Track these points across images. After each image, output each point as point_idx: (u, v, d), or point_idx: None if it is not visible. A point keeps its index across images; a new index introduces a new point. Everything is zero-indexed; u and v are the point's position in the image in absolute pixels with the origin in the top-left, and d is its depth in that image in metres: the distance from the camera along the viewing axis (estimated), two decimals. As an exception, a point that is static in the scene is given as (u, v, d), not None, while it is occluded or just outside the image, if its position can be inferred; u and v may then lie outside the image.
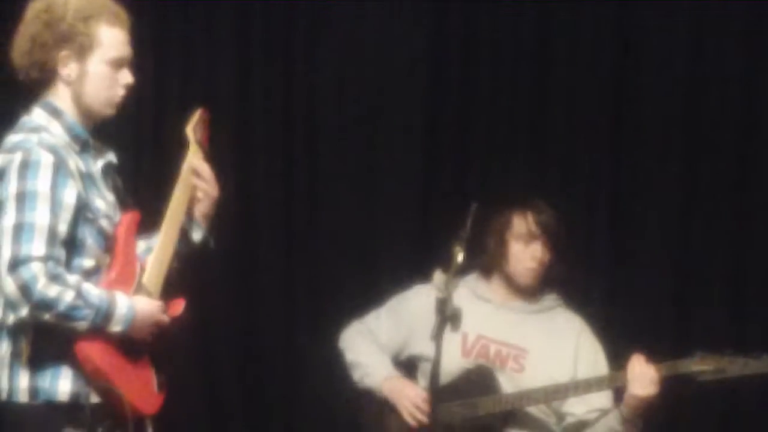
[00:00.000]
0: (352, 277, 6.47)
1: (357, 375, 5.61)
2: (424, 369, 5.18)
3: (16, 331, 4.26)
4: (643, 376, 5.27)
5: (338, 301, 6.27)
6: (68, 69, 4.32)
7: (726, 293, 6.49)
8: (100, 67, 4.33)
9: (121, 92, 4.40)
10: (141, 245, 4.49)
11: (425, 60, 6.98)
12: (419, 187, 6.75)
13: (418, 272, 5.45)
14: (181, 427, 5.26)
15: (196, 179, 4.56)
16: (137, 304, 4.27)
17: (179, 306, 4.47)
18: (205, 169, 4.58)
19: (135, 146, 5.46)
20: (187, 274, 4.64)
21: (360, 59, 7.04)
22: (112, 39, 4.35)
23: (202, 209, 4.59)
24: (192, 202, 4.58)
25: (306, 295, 6.69)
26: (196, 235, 4.61)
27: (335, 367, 5.83)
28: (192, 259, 4.68)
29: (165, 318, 4.39)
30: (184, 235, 4.59)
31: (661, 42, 6.74)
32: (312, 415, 6.47)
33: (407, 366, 5.53)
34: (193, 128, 4.63)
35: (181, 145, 4.59)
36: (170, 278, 4.49)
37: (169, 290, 4.46)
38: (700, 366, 5.26)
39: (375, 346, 5.60)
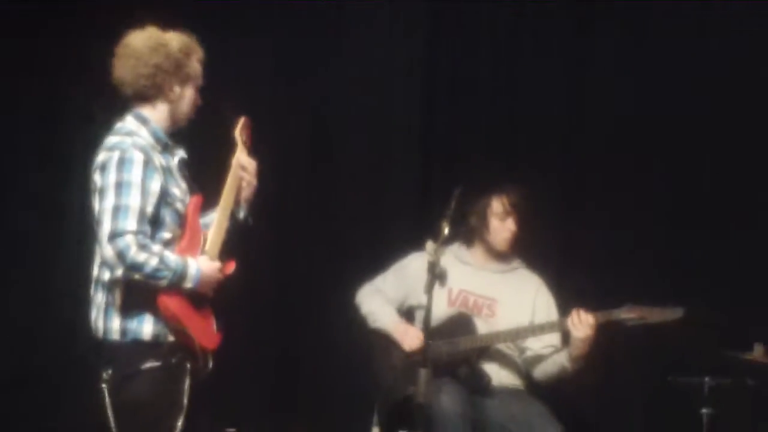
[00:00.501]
0: (365, 250, 6.90)
1: (370, 320, 6.16)
2: (419, 316, 5.82)
3: (110, 286, 4.72)
4: (581, 323, 5.87)
5: (354, 268, 6.59)
6: (173, 91, 4.82)
7: (654, 257, 6.85)
8: (191, 92, 4.88)
9: (194, 110, 4.96)
10: (203, 220, 4.91)
11: (421, 74, 7.32)
12: (418, 178, 7.18)
13: (415, 243, 6.05)
14: (233, 361, 5.30)
15: (242, 172, 4.95)
16: (203, 267, 4.73)
17: (231, 266, 4.89)
18: (250, 163, 4.98)
19: (196, 145, 5.53)
20: (235, 243, 4.97)
21: (365, 67, 7.33)
22: (199, 72, 4.90)
23: (245, 195, 4.98)
24: (239, 189, 4.97)
25: (330, 264, 7.02)
26: (241, 214, 5.01)
27: (352, 317, 6.29)
28: (238, 232, 5.00)
29: (222, 276, 4.82)
30: (232, 214, 4.98)
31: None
32: (334, 352, 6.82)
33: (406, 314, 6.13)
34: (239, 132, 5.02)
35: (231, 145, 4.94)
36: (224, 246, 4.86)
37: (223, 255, 4.83)
38: (627, 315, 5.86)
39: (383, 299, 6.18)
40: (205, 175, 4.99)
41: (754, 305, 6.61)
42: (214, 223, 4.89)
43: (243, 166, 4.96)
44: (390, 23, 7.49)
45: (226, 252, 4.90)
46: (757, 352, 5.94)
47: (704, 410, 6.10)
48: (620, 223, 7.02)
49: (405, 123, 7.35)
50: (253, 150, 5.02)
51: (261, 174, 4.99)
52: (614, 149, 7.13)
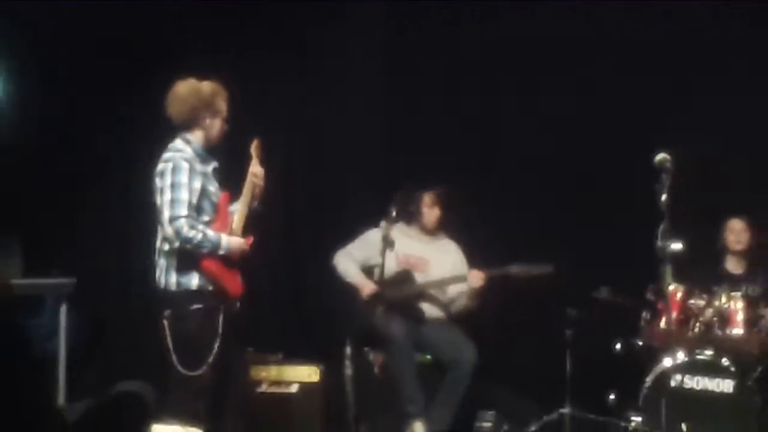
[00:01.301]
0: (339, 227, 7.13)
1: (344, 276, 6.70)
2: (377, 272, 6.23)
3: (169, 254, 5.21)
4: (476, 277, 6.57)
5: (334, 239, 6.93)
6: (207, 121, 5.28)
7: (530, 232, 7.27)
8: (218, 122, 5.32)
9: (222, 134, 5.36)
10: (230, 209, 5.33)
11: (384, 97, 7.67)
12: (380, 178, 7.54)
13: (374, 223, 6.55)
14: (252, 303, 5.54)
15: (255, 178, 5.36)
16: (231, 240, 5.21)
17: (250, 241, 5.32)
18: (260, 171, 5.37)
19: (228, 158, 5.58)
20: (253, 225, 5.40)
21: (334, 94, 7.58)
22: (224, 108, 5.33)
23: (257, 192, 5.39)
24: (253, 189, 5.38)
25: (319, 237, 7.33)
26: (255, 205, 5.40)
27: (331, 275, 6.80)
28: (254, 217, 5.41)
29: (245, 247, 5.28)
30: (249, 205, 5.37)
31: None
32: (321, 296, 7.13)
33: (368, 271, 6.68)
34: (254, 149, 5.42)
35: (249, 158, 5.42)
36: (245, 227, 5.33)
37: (245, 232, 5.31)
38: (511, 270, 6.53)
39: (352, 261, 6.74)
40: (234, 177, 5.46)
41: (599, 262, 7.06)
42: (238, 211, 5.33)
43: (255, 173, 5.35)
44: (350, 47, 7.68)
45: (247, 230, 5.34)
46: (603, 292, 6.64)
47: (567, 331, 6.77)
48: (506, 208, 7.43)
49: (369, 146, 7.67)
50: (263, 160, 5.39)
51: (267, 178, 5.38)
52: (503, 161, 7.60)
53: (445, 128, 7.63)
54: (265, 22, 7.35)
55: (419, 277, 6.76)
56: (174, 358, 5.12)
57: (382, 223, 5.81)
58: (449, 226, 6.93)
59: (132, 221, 6.63)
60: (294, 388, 6.49)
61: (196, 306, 5.17)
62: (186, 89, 5.28)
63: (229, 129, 5.37)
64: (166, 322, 5.18)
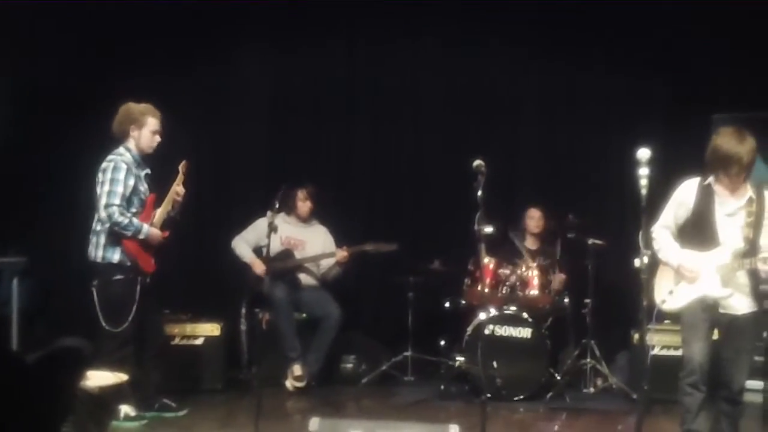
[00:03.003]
0: (236, 217, 6.86)
1: (240, 255, 6.60)
2: (264, 251, 5.98)
3: (99, 233, 5.25)
4: (341, 253, 6.59)
5: (233, 226, 6.78)
6: (135, 133, 5.32)
7: (378, 219, 7.39)
8: (147, 134, 5.33)
9: (154, 145, 5.37)
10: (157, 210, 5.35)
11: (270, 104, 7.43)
12: (266, 178, 7.23)
13: (262, 213, 6.32)
14: (168, 275, 5.53)
15: (176, 194, 5.42)
16: (151, 230, 5.29)
17: (166, 234, 5.40)
18: (182, 190, 5.42)
19: (157, 170, 5.55)
20: (170, 224, 5.43)
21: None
22: (152, 123, 5.34)
23: (174, 205, 5.44)
24: (173, 201, 5.43)
25: (216, 224, 7.05)
26: (172, 213, 5.45)
27: (230, 253, 6.67)
28: (170, 221, 5.45)
29: (161, 237, 5.35)
30: (168, 211, 5.43)
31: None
32: (222, 270, 6.85)
33: (258, 251, 6.57)
34: (182, 167, 5.44)
35: (175, 174, 5.42)
36: (163, 224, 5.39)
37: (162, 228, 5.38)
38: (367, 247, 6.56)
39: (246, 244, 6.63)
40: (162, 183, 5.46)
41: (432, 241, 7.15)
42: (159, 211, 5.39)
43: (177, 191, 5.40)
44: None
45: (164, 227, 5.40)
46: (436, 264, 6.75)
47: (410, 294, 6.84)
48: (363, 201, 7.55)
49: (256, 153, 7.47)
50: (187, 179, 5.39)
51: (185, 196, 5.42)
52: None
53: (315, 138, 7.59)
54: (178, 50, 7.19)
55: (297, 254, 6.76)
56: (101, 317, 5.11)
57: (268, 213, 5.71)
58: (319, 214, 6.92)
59: (73, 211, 6.29)
60: (200, 341, 6.40)
61: (116, 277, 5.15)
62: (122, 109, 5.31)
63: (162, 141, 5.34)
64: (94, 290, 5.16)
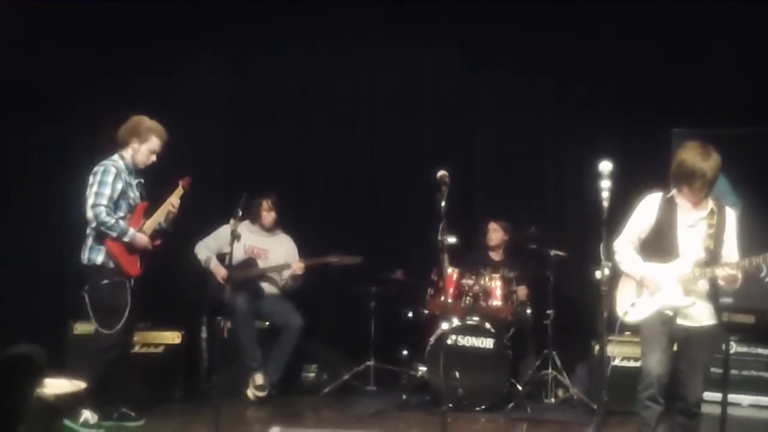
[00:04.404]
0: (195, 224, 6.56)
1: (203, 262, 6.56)
2: (227, 258, 5.88)
3: (87, 236, 5.27)
4: (297, 265, 6.51)
5: (190, 233, 6.59)
6: (135, 145, 5.39)
7: (343, 230, 7.31)
8: (145, 151, 5.40)
9: (149, 163, 5.42)
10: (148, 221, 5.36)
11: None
12: (222, 184, 7.24)
13: (225, 220, 6.30)
14: (146, 284, 5.44)
15: (171, 207, 5.49)
16: (138, 235, 5.31)
17: (157, 242, 5.46)
18: (177, 203, 5.48)
19: (150, 182, 5.61)
20: (160, 234, 5.47)
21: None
22: (154, 141, 5.41)
23: (168, 216, 5.51)
24: (167, 213, 5.50)
25: (178, 235, 5.99)
26: (164, 224, 5.52)
27: (193, 260, 6.61)
28: (160, 231, 5.49)
29: (149, 245, 5.38)
30: (159, 221, 5.49)
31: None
32: (189, 277, 6.70)
33: (220, 258, 6.55)
34: (184, 183, 5.54)
35: (173, 186, 5.51)
36: (155, 233, 5.44)
37: (152, 237, 5.40)
38: (329, 259, 6.52)
39: (209, 250, 6.60)
40: (154, 198, 5.51)
41: (396, 252, 7.15)
42: (151, 219, 5.44)
43: (173, 204, 5.48)
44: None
45: (153, 236, 5.43)
46: (399, 274, 6.75)
47: (372, 304, 6.77)
48: (329, 212, 7.53)
49: (221, 163, 7.43)
50: (186, 194, 5.47)
51: (180, 210, 5.46)
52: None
53: (273, 147, 7.54)
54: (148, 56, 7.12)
55: (261, 263, 6.71)
56: (94, 319, 5.19)
57: (231, 221, 5.65)
58: (283, 225, 6.87)
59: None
60: (160, 349, 6.35)
61: (104, 281, 5.19)
62: (133, 120, 5.40)
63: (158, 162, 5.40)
64: (85, 294, 5.21)
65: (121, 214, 5.33)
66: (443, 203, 4.44)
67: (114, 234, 5.26)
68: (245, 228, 6.53)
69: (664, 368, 4.35)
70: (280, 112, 7.50)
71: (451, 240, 4.63)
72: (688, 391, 4.39)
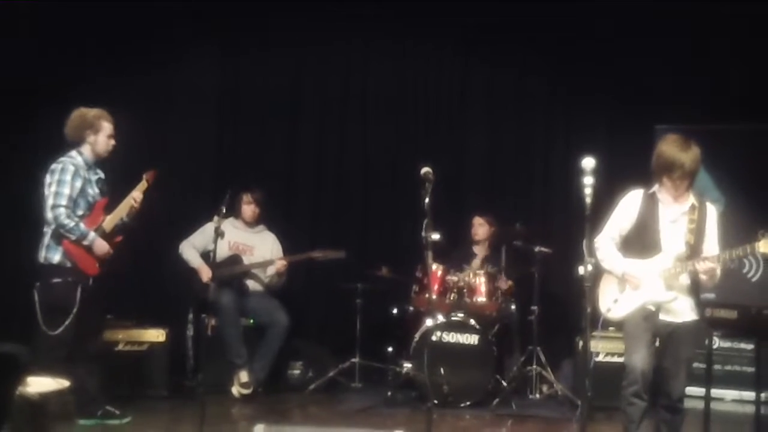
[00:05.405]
0: (182, 221, 6.77)
1: (188, 261, 6.51)
2: (211, 256, 5.58)
3: (45, 234, 5.20)
4: (280, 262, 6.51)
5: (177, 230, 6.70)
6: (91, 138, 5.27)
7: (325, 226, 7.37)
8: (103, 139, 5.30)
9: (110, 149, 5.32)
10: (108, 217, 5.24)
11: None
12: (211, 181, 7.29)
13: (209, 218, 5.95)
14: (107, 284, 5.34)
15: (133, 201, 5.35)
16: (98, 240, 5.20)
17: (119, 239, 5.36)
18: (140, 197, 5.33)
19: (113, 174, 5.52)
20: (122, 230, 5.37)
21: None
22: (107, 127, 5.30)
23: (130, 211, 5.38)
24: (129, 207, 5.37)
25: (165, 232, 6.78)
26: (126, 219, 5.40)
27: (179, 259, 6.57)
28: (122, 226, 5.38)
29: (109, 252, 5.25)
30: (121, 216, 5.37)
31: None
32: (173, 276, 6.70)
33: (206, 255, 6.43)
34: (148, 176, 5.39)
35: (137, 180, 5.36)
36: (114, 229, 5.33)
37: (113, 233, 5.29)
38: (312, 254, 6.48)
39: (193, 249, 6.55)
40: (115, 192, 5.42)
41: (381, 248, 7.15)
42: (113, 214, 5.34)
43: (135, 198, 5.34)
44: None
45: (115, 232, 5.32)
46: (384, 271, 6.68)
47: (358, 301, 6.74)
48: (315, 208, 7.53)
49: (204, 159, 7.41)
50: (150, 188, 5.32)
51: (143, 204, 5.33)
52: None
53: (260, 144, 7.51)
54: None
55: (246, 260, 6.67)
56: (40, 318, 5.06)
57: (215, 218, 5.53)
58: (267, 221, 6.83)
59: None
60: (145, 347, 6.31)
61: (55, 280, 5.10)
62: (75, 115, 5.27)
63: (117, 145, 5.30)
64: (35, 291, 5.13)
65: (80, 212, 5.25)
66: (427, 200, 4.43)
67: (73, 237, 5.18)
68: (230, 225, 6.51)
69: (648, 364, 4.35)
70: (270, 109, 7.48)
71: (435, 237, 4.61)
72: (672, 386, 4.40)
